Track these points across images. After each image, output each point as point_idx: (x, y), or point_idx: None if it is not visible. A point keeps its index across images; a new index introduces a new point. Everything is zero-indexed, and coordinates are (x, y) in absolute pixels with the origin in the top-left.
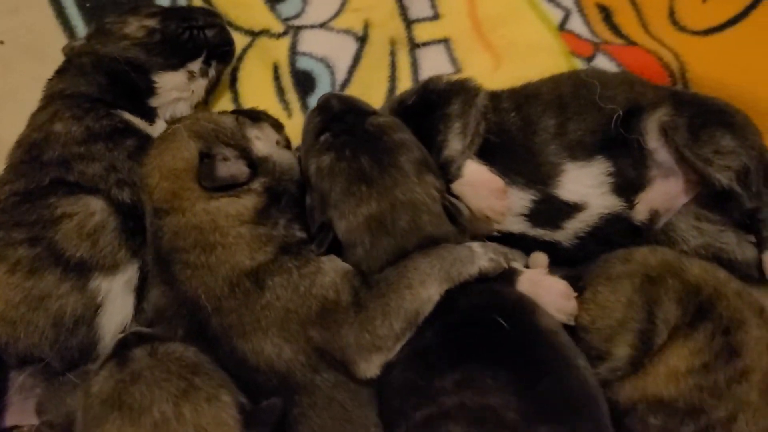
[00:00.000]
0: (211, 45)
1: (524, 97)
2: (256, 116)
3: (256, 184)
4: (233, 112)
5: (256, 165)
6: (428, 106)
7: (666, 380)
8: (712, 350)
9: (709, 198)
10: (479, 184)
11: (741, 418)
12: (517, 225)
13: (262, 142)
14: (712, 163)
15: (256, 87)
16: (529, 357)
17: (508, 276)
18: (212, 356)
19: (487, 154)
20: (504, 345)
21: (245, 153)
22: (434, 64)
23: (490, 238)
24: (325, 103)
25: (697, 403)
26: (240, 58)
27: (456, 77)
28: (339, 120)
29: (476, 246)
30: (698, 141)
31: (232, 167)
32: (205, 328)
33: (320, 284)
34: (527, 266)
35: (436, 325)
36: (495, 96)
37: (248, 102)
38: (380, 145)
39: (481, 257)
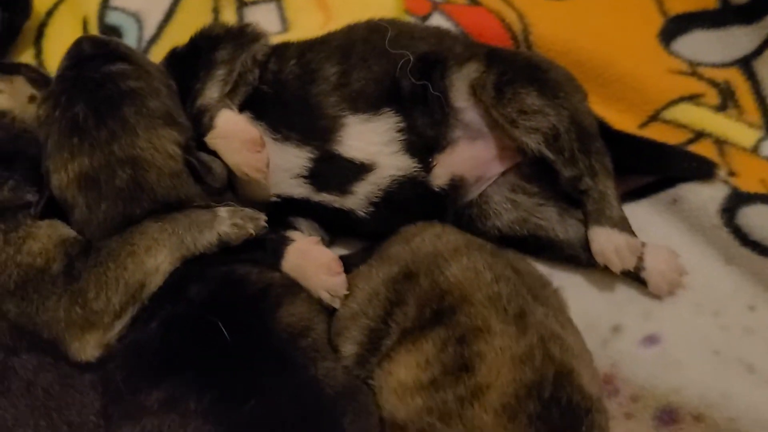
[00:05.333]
0: None
1: (311, 44)
2: (13, 69)
3: None
4: None
5: None
6: (197, 53)
7: (396, 398)
8: (441, 362)
9: (532, 168)
10: (232, 136)
11: None
12: (298, 188)
13: (5, 96)
14: (517, 125)
15: (62, 43)
16: (245, 372)
17: (276, 245)
18: None
19: (258, 106)
20: (220, 357)
21: None
22: (261, 24)
23: (273, 206)
24: (75, 46)
25: (427, 429)
26: (50, 13)
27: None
28: (80, 66)
29: (222, 210)
30: (503, 99)
31: None
32: None
33: (27, 251)
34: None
35: (161, 315)
36: (284, 45)
37: (52, 59)
38: (102, 93)
39: (223, 222)
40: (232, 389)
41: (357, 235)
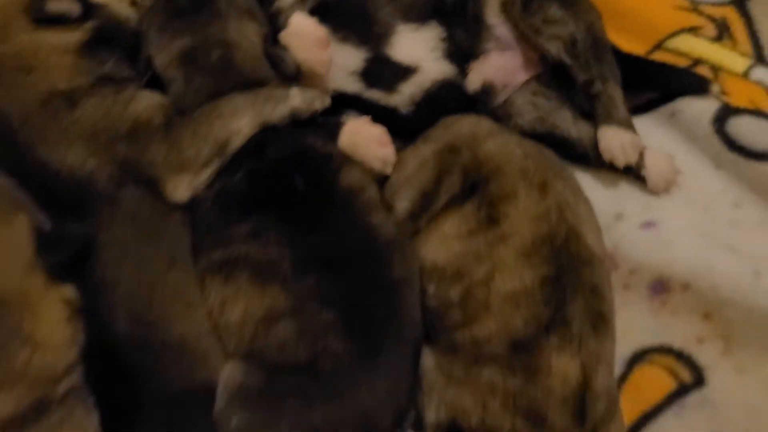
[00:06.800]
0: None
1: None
2: None
3: (87, 24)
4: None
5: (90, 8)
6: None
7: (439, 246)
8: (477, 219)
9: (551, 78)
10: (303, 35)
11: (497, 276)
12: (351, 84)
13: None
14: (541, 33)
15: None
16: (313, 214)
17: (333, 127)
18: (20, 169)
19: (323, 12)
20: (294, 201)
21: None
22: None
23: None
24: None
25: (461, 267)
26: None
27: None
28: None
29: (294, 89)
30: (529, 11)
31: (63, 4)
32: (14, 140)
33: (133, 108)
34: None
35: (244, 169)
36: None
37: None
38: None
39: (296, 97)
40: (305, 224)
41: (397, 135)
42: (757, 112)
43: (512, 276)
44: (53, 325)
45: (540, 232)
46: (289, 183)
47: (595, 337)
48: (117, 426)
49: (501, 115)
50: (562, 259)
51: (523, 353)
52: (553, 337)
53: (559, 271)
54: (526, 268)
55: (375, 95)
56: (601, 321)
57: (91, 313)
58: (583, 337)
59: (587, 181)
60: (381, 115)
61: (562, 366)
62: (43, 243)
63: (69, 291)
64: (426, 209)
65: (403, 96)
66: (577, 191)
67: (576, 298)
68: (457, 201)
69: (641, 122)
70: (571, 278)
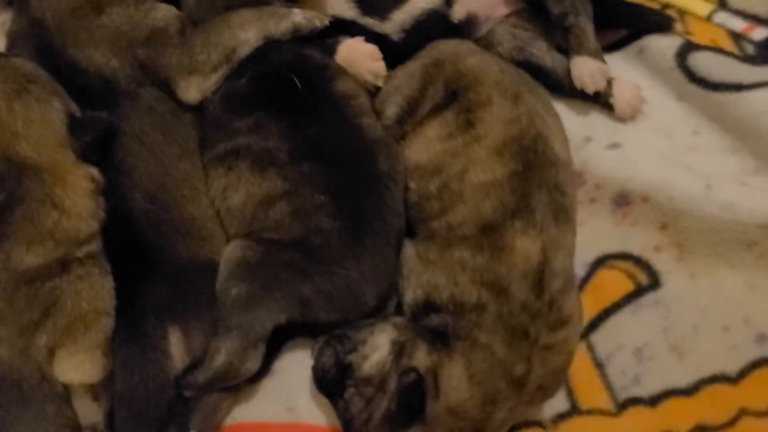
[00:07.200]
0: None
1: None
2: None
3: None
4: None
5: None
6: None
7: (422, 148)
8: (456, 123)
9: (530, 13)
10: None
11: (471, 170)
12: (349, 11)
13: None
14: None
15: None
16: (308, 111)
17: (330, 45)
18: (53, 66)
19: None
20: (292, 101)
21: None
22: None
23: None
24: None
25: (439, 163)
26: None
27: None
28: None
29: (296, 9)
30: None
31: None
32: (49, 43)
33: (152, 17)
34: None
35: (249, 73)
36: None
37: None
38: None
39: (297, 15)
40: (302, 120)
41: (388, 62)
42: (716, 49)
43: (484, 170)
44: (79, 196)
45: (511, 133)
46: (288, 83)
47: (556, 226)
48: (129, 292)
49: (483, 45)
50: (530, 157)
51: (490, 234)
52: (518, 222)
53: (527, 167)
54: (497, 163)
55: (369, 22)
56: (562, 213)
57: (111, 193)
58: (545, 224)
59: (560, 109)
60: (374, 41)
61: (525, 246)
62: (74, 125)
63: (94, 171)
64: (412, 115)
65: (395, 23)
66: (548, 106)
67: (540, 191)
68: (439, 108)
69: (611, 59)
70: (536, 174)
